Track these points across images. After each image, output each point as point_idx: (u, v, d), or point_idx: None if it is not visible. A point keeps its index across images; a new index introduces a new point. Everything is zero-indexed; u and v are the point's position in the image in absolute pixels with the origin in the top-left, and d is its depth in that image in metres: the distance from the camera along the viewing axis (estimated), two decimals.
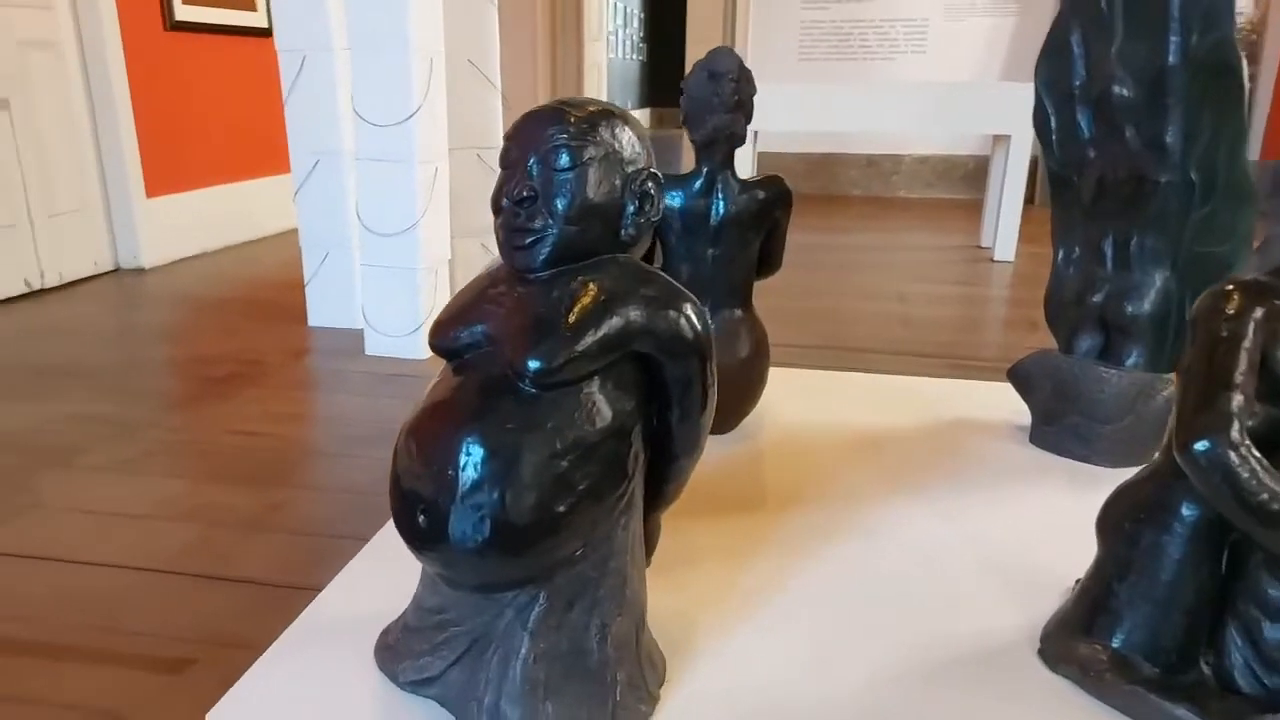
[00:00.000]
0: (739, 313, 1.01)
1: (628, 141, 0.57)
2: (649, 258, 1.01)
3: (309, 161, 1.98)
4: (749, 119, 0.94)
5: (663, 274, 0.58)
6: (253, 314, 2.15)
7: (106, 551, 1.06)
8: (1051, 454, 1.02)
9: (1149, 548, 0.60)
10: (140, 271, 2.55)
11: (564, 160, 0.54)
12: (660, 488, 0.62)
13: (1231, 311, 0.57)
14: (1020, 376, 1.06)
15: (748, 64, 0.96)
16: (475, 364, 0.56)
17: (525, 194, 0.54)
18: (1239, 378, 0.55)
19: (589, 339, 0.53)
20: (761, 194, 0.97)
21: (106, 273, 2.52)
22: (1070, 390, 0.99)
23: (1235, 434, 0.53)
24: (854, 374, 1.32)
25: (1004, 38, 4.06)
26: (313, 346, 1.90)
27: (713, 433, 1.04)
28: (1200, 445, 0.53)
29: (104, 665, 0.86)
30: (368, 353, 1.84)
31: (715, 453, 1.00)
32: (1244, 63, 0.85)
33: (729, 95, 0.91)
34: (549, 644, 0.54)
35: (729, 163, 0.96)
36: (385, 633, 0.63)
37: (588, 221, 0.55)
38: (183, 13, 2.65)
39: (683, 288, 0.58)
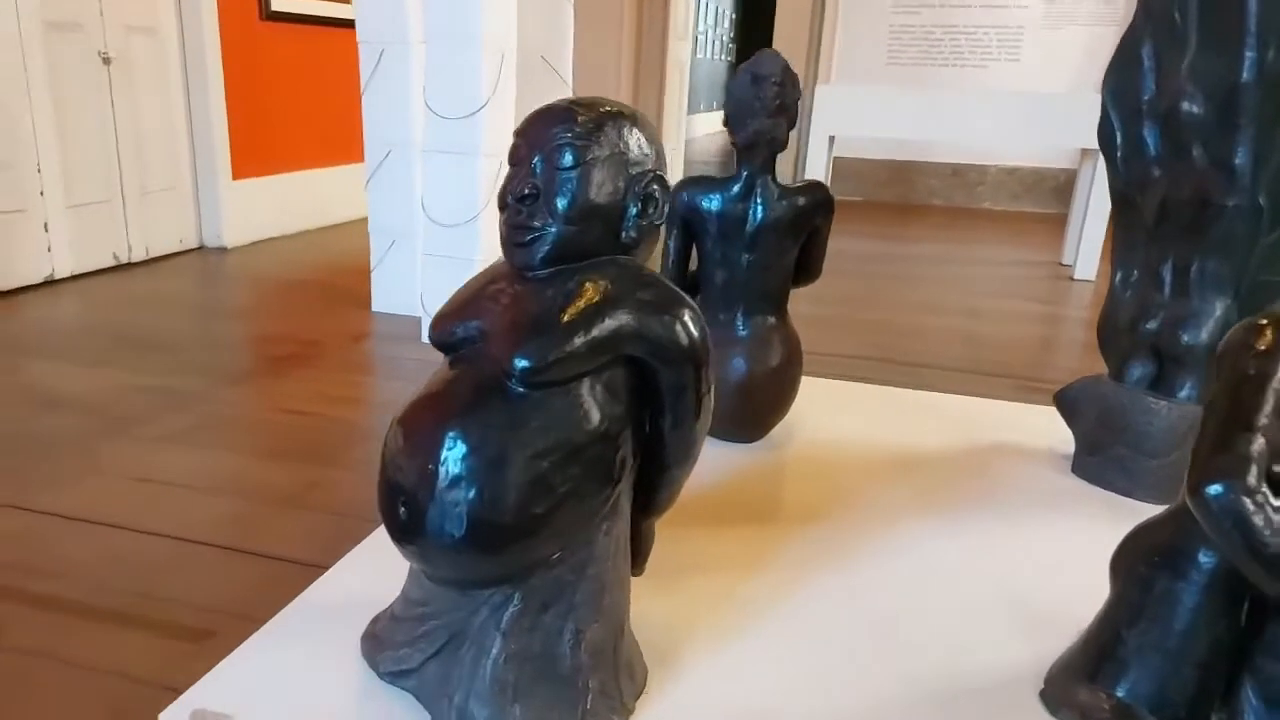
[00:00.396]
0: (773, 320, 0.99)
1: (635, 143, 0.56)
2: (682, 261, 1.00)
3: (381, 151, 2.03)
4: (793, 124, 0.92)
5: (663, 278, 0.57)
6: (322, 296, 2.22)
7: (152, 520, 1.10)
8: (1094, 485, 0.97)
9: (1162, 594, 0.57)
10: (223, 250, 2.66)
11: (567, 159, 0.54)
12: (651, 496, 0.61)
13: (1262, 347, 0.53)
14: (1066, 402, 1.01)
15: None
16: (469, 359, 0.56)
17: (527, 191, 0.54)
18: (1263, 419, 0.51)
19: (579, 340, 0.52)
20: (801, 200, 0.95)
21: (191, 250, 2.63)
22: (1117, 420, 0.94)
23: (1252, 479, 0.50)
24: (896, 389, 1.28)
25: (1104, 48, 3.90)
26: (373, 331, 1.95)
27: (739, 441, 1.03)
28: (1213, 489, 0.50)
29: (133, 630, 0.90)
30: (425, 340, 1.87)
31: (738, 461, 0.99)
32: None
33: (771, 99, 0.89)
34: (520, 645, 0.54)
35: (769, 167, 0.95)
36: (374, 621, 0.63)
37: (588, 222, 0.55)
38: (279, 3, 2.74)
39: (681, 293, 0.57)
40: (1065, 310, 2.40)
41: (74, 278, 2.24)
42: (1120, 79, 0.96)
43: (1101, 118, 0.99)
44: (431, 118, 1.78)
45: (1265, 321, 0.54)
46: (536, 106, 0.58)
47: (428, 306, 1.87)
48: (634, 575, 0.66)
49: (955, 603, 0.75)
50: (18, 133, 2.04)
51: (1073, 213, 2.94)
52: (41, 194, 2.12)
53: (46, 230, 2.14)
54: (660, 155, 0.58)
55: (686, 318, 0.56)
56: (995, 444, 1.08)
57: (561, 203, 0.54)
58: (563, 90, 2.09)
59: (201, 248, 2.66)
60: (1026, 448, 1.06)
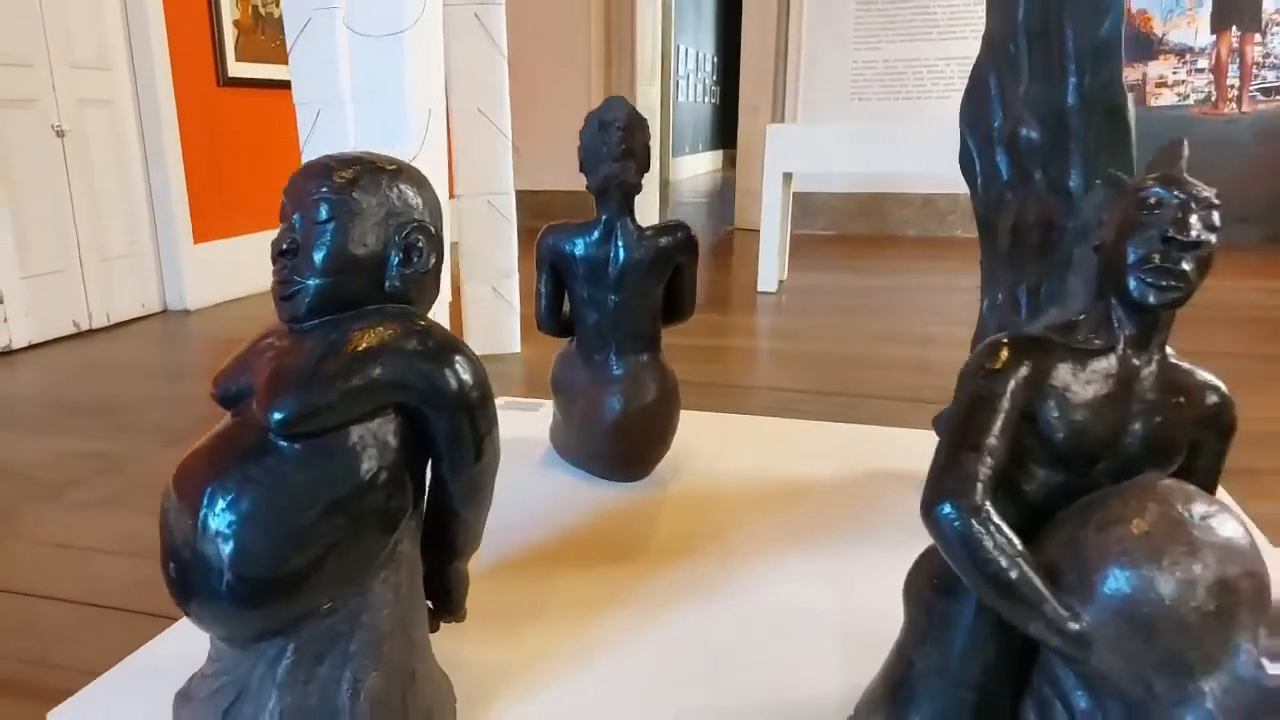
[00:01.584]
0: (645, 357, 1.00)
1: (396, 196, 0.58)
2: (553, 304, 1.02)
3: None
4: (643, 168, 0.94)
5: (436, 325, 0.58)
6: None
7: (64, 586, 1.11)
8: None
9: (942, 617, 0.57)
10: (185, 313, 2.69)
11: (322, 213, 0.56)
12: (449, 541, 0.62)
13: (993, 368, 0.54)
14: (941, 425, 1.01)
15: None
16: (243, 413, 0.57)
17: (286, 245, 0.56)
18: (990, 440, 0.52)
19: (335, 391, 0.53)
20: (662, 240, 0.97)
21: (154, 314, 2.66)
22: None
23: (977, 498, 0.50)
24: (800, 421, 1.29)
25: None
26: None
27: (621, 480, 1.04)
28: (940, 508, 0.51)
29: (22, 699, 0.89)
30: None
31: (616, 500, 0.99)
32: (1131, 104, 0.81)
33: (616, 144, 0.92)
34: (296, 698, 0.54)
35: (626, 210, 0.96)
36: (191, 678, 0.64)
37: (348, 273, 0.56)
38: (236, 70, 2.80)
39: (455, 339, 0.58)
40: None
41: (32, 347, 2.27)
42: (972, 107, 0.98)
43: (961, 145, 1.00)
44: None
45: (1004, 342, 0.54)
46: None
47: None
48: (454, 621, 0.66)
49: (791, 639, 0.74)
50: None
51: None
52: None
53: (2, 301, 2.18)
54: (430, 207, 0.60)
55: (456, 363, 0.57)
56: (887, 472, 1.08)
57: (319, 255, 0.56)
58: (501, 140, 2.12)
59: (165, 311, 2.69)
60: (916, 475, 1.06)
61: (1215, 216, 0.55)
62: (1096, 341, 0.55)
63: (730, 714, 0.64)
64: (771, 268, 2.93)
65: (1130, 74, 3.74)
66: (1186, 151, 0.58)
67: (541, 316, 1.02)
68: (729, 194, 5.52)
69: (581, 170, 0.96)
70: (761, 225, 2.94)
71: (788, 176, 2.97)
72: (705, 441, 1.13)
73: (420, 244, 0.58)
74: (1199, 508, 0.47)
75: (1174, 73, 3.67)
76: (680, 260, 0.99)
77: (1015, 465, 0.54)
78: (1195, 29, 3.63)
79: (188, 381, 2.04)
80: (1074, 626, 0.48)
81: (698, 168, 8.79)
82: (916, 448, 1.14)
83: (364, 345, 0.55)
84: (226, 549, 0.52)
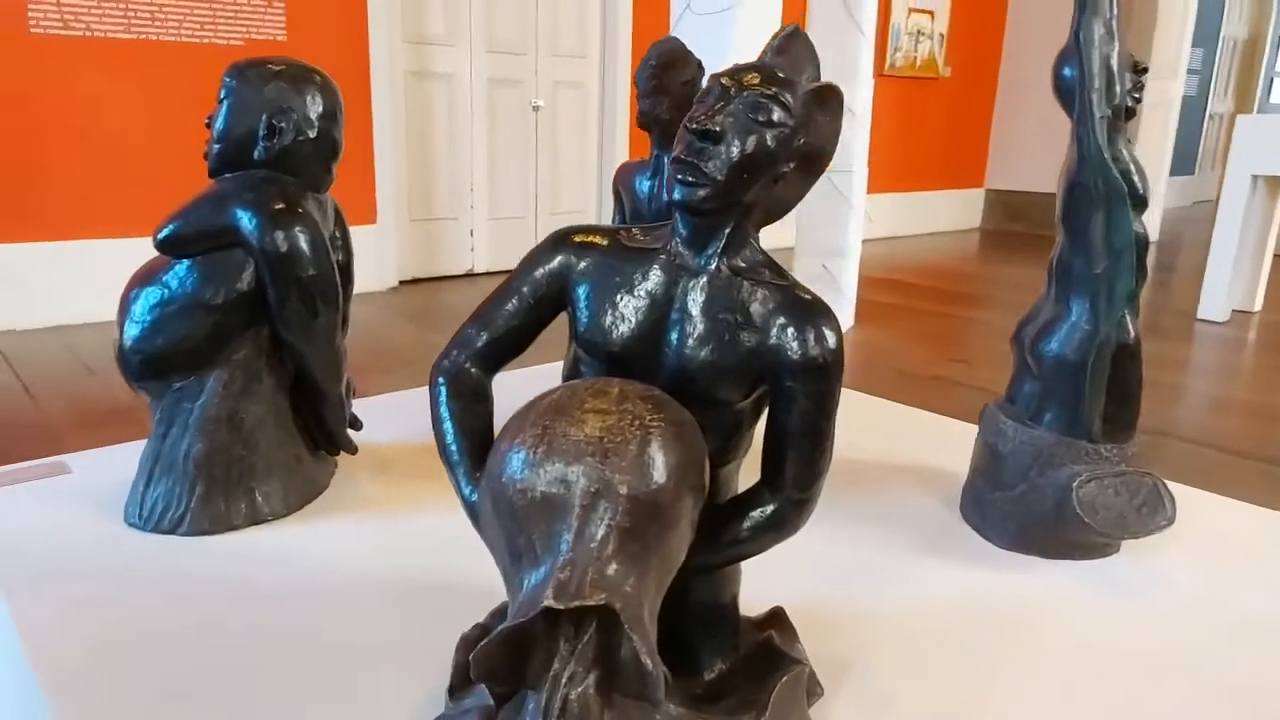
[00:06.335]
0: None
1: (272, 87, 0.75)
2: None
3: None
4: (680, 106, 0.95)
5: (293, 195, 0.74)
6: None
7: None
8: (965, 525, 0.80)
9: None
10: None
11: (221, 94, 0.76)
12: (301, 370, 0.77)
13: (532, 254, 0.51)
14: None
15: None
16: None
17: (207, 120, 0.77)
18: (496, 316, 0.51)
19: (186, 225, 0.73)
20: None
21: None
22: (985, 444, 0.78)
23: (459, 363, 0.50)
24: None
25: None
26: None
27: None
28: (434, 370, 0.51)
29: None
30: None
31: None
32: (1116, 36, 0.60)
33: (647, 80, 0.94)
34: (156, 447, 0.76)
35: (669, 146, 0.98)
36: None
37: (231, 143, 0.75)
38: None
39: (298, 209, 0.73)
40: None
41: (489, 273, 2.89)
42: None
43: None
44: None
45: (562, 229, 0.52)
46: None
47: None
48: (349, 452, 0.83)
49: None
50: (458, 160, 2.74)
51: None
52: (471, 207, 2.79)
53: (472, 235, 2.81)
54: (315, 104, 0.75)
55: (279, 220, 0.72)
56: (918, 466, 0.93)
57: (217, 125, 0.76)
58: (857, 38, 2.08)
59: None
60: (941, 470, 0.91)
61: (775, 111, 0.45)
62: (646, 241, 0.50)
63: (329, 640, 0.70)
64: (1220, 292, 2.40)
65: None
66: (789, 31, 0.48)
67: None
68: None
69: None
70: (1213, 238, 2.42)
71: (1266, 180, 2.39)
72: None
73: (280, 125, 0.74)
74: (593, 404, 0.42)
75: None
76: None
77: (574, 367, 0.52)
78: None
79: None
80: (467, 493, 0.47)
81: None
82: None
83: (220, 195, 0.74)
84: (130, 332, 0.74)
